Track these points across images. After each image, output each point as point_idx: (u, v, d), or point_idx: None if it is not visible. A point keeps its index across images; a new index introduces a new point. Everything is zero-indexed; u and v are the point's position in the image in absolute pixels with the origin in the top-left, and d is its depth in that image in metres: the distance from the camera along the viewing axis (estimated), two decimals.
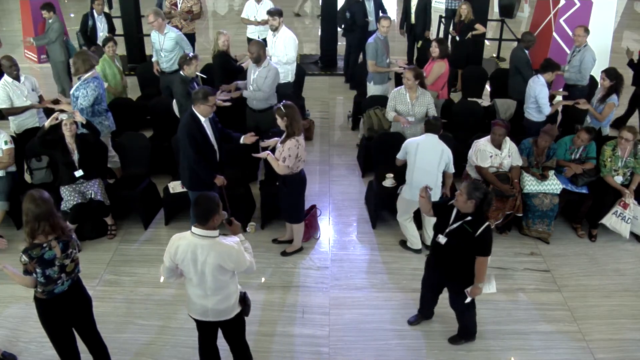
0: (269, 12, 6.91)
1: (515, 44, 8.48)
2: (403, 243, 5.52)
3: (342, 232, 5.78)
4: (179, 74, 6.00)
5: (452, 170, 5.16)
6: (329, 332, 4.55)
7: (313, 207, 5.70)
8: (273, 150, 5.01)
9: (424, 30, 8.96)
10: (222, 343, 3.87)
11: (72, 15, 13.00)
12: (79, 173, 5.23)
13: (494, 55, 10.60)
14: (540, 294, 4.98)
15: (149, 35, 7.32)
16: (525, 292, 5.00)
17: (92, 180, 5.34)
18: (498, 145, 5.47)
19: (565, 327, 4.62)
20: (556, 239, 5.66)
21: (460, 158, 5.64)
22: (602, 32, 8.20)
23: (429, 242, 5.41)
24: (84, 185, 5.30)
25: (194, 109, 4.73)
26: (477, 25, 8.62)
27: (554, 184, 5.46)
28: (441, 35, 10.06)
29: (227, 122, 6.26)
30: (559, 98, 6.84)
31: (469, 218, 3.85)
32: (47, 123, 5.11)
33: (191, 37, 8.52)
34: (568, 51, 7.55)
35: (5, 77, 5.90)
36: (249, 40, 7.83)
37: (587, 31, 6.79)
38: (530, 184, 5.47)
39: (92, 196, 5.31)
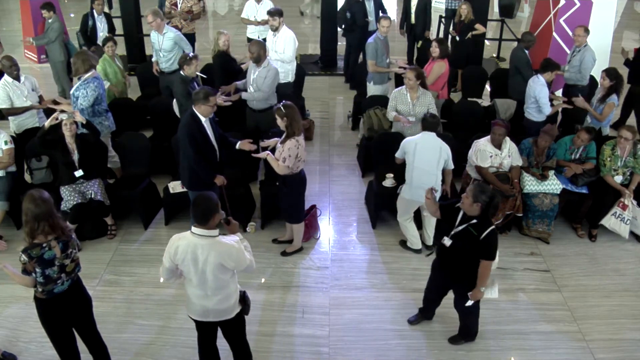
0: (269, 13, 6.91)
1: (515, 44, 8.48)
2: (403, 243, 5.52)
3: (342, 232, 5.78)
4: (179, 73, 6.00)
5: (451, 166, 5.16)
6: (329, 332, 4.55)
7: (313, 207, 5.70)
8: (273, 150, 5.01)
9: (424, 30, 8.96)
10: (221, 343, 3.87)
11: (72, 15, 13.01)
12: (79, 173, 5.23)
13: (494, 55, 10.60)
14: (540, 294, 4.98)
15: (149, 35, 7.32)
16: (525, 292, 5.00)
17: (92, 180, 5.35)
18: (498, 145, 5.47)
19: (565, 327, 4.62)
20: (556, 239, 5.66)
21: (460, 158, 5.64)
22: (602, 32, 8.19)
23: (428, 242, 5.43)
24: (84, 185, 5.30)
25: (194, 108, 4.73)
26: (477, 25, 8.62)
27: (554, 184, 5.46)
28: (441, 35, 10.06)
29: (227, 122, 6.29)
30: (558, 101, 6.84)
31: (475, 221, 3.84)
32: (47, 123, 5.11)
33: (191, 37, 8.52)
34: (568, 51, 7.55)
35: (6, 77, 5.90)
36: (249, 40, 7.83)
37: (587, 31, 6.80)
38: (530, 184, 5.47)
39: (92, 196, 5.31)
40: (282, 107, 4.73)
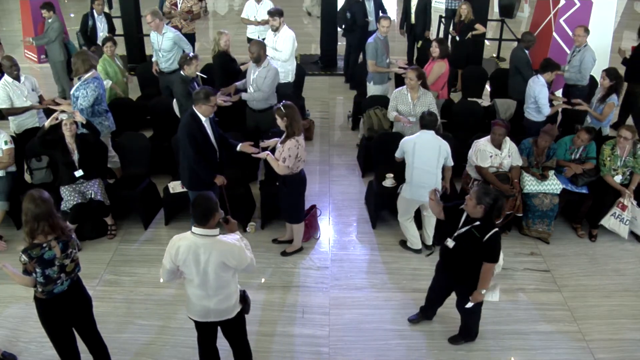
0: (269, 13, 6.91)
1: (515, 44, 8.48)
2: (403, 243, 5.52)
3: (342, 232, 5.78)
4: (179, 73, 5.99)
5: (450, 163, 5.14)
6: (329, 332, 4.55)
7: (313, 207, 5.70)
8: (273, 150, 5.01)
9: (424, 30, 8.96)
10: (221, 343, 3.87)
11: (72, 15, 13.00)
12: (79, 173, 5.23)
13: (494, 55, 10.60)
14: (540, 294, 4.98)
15: (149, 35, 7.32)
16: (525, 292, 5.00)
17: (92, 180, 5.34)
18: (498, 145, 5.47)
19: (565, 327, 4.62)
20: (556, 239, 5.66)
21: (460, 158, 5.64)
22: (602, 32, 8.19)
23: (428, 242, 5.43)
24: (84, 185, 5.30)
25: (194, 108, 4.72)
26: (477, 25, 8.62)
27: (554, 184, 5.46)
28: (441, 35, 10.06)
29: (227, 122, 6.29)
30: (558, 101, 6.84)
31: (478, 223, 3.83)
32: (47, 123, 5.11)
33: (191, 37, 8.53)
34: (568, 51, 7.55)
35: (6, 77, 5.90)
36: (249, 40, 7.83)
37: (587, 31, 6.79)
38: (530, 184, 5.47)
39: (92, 196, 5.31)
40: (282, 107, 4.72)
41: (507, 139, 5.50)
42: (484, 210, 3.77)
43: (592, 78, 7.01)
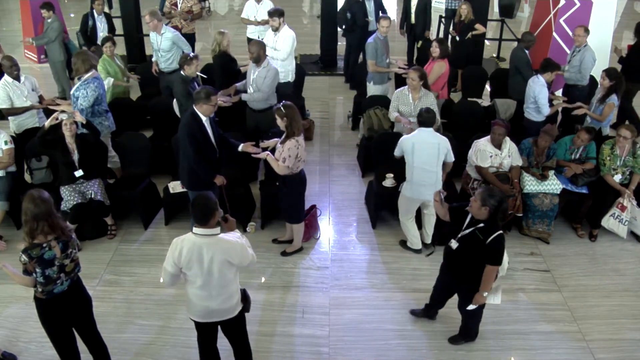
0: (269, 13, 6.91)
1: (515, 44, 8.47)
2: (403, 243, 5.52)
3: (342, 232, 5.78)
4: (179, 73, 5.99)
5: (451, 159, 5.11)
6: (329, 332, 4.55)
7: (313, 207, 5.70)
8: (273, 150, 5.01)
9: (424, 30, 8.96)
10: (221, 343, 3.87)
11: (72, 15, 13.01)
12: (79, 173, 5.23)
13: (494, 55, 10.60)
14: (540, 294, 4.98)
15: (149, 35, 7.32)
16: (525, 292, 4.99)
17: (92, 180, 5.34)
18: (498, 145, 5.47)
19: (565, 327, 4.62)
20: (556, 239, 5.66)
21: (460, 158, 5.64)
22: (602, 32, 8.19)
23: (427, 241, 5.43)
24: (84, 185, 5.30)
25: (195, 108, 4.72)
26: (477, 25, 8.62)
27: (554, 184, 5.46)
28: (441, 35, 10.06)
29: (227, 122, 6.29)
30: (558, 101, 6.84)
31: (481, 225, 3.82)
32: (47, 123, 5.11)
33: (191, 37, 8.53)
34: (568, 51, 7.55)
35: (6, 77, 5.90)
36: (249, 40, 7.83)
37: (587, 31, 6.79)
38: (530, 184, 5.47)
39: (92, 196, 5.31)
40: (282, 107, 4.72)
41: (507, 139, 5.50)
42: (489, 212, 3.75)
43: (592, 78, 7.01)
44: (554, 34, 8.40)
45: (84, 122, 5.27)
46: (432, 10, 9.33)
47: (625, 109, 7.32)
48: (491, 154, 5.45)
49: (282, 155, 4.76)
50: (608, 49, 8.52)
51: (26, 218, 3.38)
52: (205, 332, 3.75)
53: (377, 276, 5.16)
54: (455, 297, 4.27)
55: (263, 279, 5.09)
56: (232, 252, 3.40)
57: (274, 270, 5.21)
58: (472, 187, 5.59)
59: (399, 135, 5.90)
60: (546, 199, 5.44)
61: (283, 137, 4.87)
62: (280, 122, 4.76)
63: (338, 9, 9.30)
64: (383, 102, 6.86)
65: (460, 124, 6.88)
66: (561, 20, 8.32)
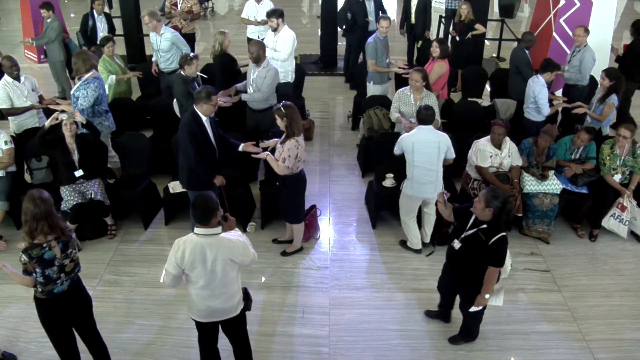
0: (267, 14, 6.92)
1: (515, 44, 8.47)
2: (403, 243, 5.52)
3: (342, 232, 5.78)
4: (179, 73, 5.99)
5: (452, 155, 5.10)
6: (329, 332, 4.55)
7: (313, 207, 5.70)
8: (273, 150, 5.01)
9: (424, 30, 8.97)
10: (221, 343, 3.87)
11: (72, 15, 13.01)
12: (79, 173, 5.23)
13: (494, 55, 10.61)
14: (540, 294, 4.98)
15: (149, 35, 7.33)
16: (525, 292, 4.99)
17: (92, 180, 5.35)
18: (498, 145, 5.47)
19: (565, 327, 4.62)
20: (556, 239, 5.66)
21: (460, 158, 5.64)
22: (602, 32, 8.19)
23: (426, 240, 5.43)
24: (84, 185, 5.31)
25: (195, 107, 4.72)
26: (477, 25, 8.61)
27: (554, 184, 5.46)
28: (441, 35, 10.07)
29: (227, 122, 6.29)
30: (558, 101, 6.84)
31: (485, 226, 3.81)
32: (47, 123, 5.12)
33: (191, 37, 8.53)
34: (568, 51, 7.55)
35: (6, 77, 5.90)
36: (249, 40, 7.83)
37: (587, 31, 6.80)
38: (530, 184, 5.47)
39: (92, 196, 5.31)
40: (281, 107, 4.72)
41: (507, 139, 5.50)
42: (493, 214, 3.75)
43: (592, 78, 7.01)
44: (554, 34, 8.40)
45: (84, 122, 5.27)
46: (432, 10, 9.33)
47: (622, 111, 7.32)
48: (491, 154, 5.45)
49: (282, 155, 4.76)
50: (608, 49, 8.52)
51: (26, 218, 3.38)
52: (207, 332, 3.75)
53: (377, 276, 5.16)
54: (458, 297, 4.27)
55: (263, 279, 5.09)
56: (234, 250, 3.41)
57: (274, 270, 5.21)
58: (472, 187, 5.59)
59: (399, 135, 5.90)
60: (546, 199, 5.43)
61: (283, 137, 4.87)
62: (280, 122, 4.75)
63: (338, 9, 9.30)
64: (383, 102, 6.86)
65: (460, 124, 6.88)
66: (561, 20, 8.32)
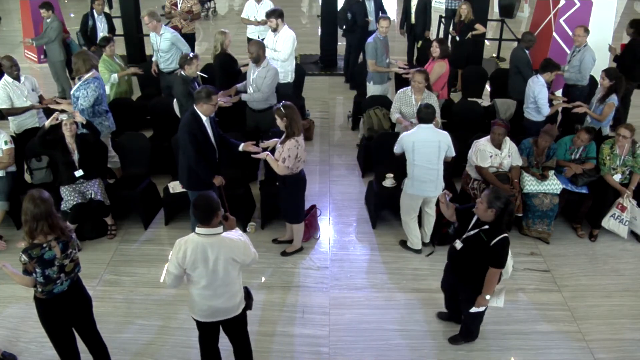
0: (266, 14, 6.92)
1: (515, 44, 8.47)
2: (403, 243, 5.52)
3: (342, 232, 5.78)
4: (179, 73, 5.98)
5: (452, 154, 5.10)
6: (329, 332, 4.54)
7: (313, 207, 5.70)
8: (273, 150, 5.01)
9: (424, 30, 8.97)
10: (221, 343, 3.87)
11: (72, 15, 13.01)
12: (79, 173, 5.23)
13: (494, 55, 10.61)
14: (540, 294, 4.98)
15: (149, 35, 7.33)
16: (525, 292, 4.99)
17: (92, 180, 5.35)
18: (498, 145, 5.47)
19: (565, 327, 4.62)
20: (556, 239, 5.66)
21: (460, 158, 5.64)
22: (602, 32, 8.20)
23: (425, 240, 5.43)
24: (84, 185, 5.31)
25: (196, 107, 4.72)
26: (477, 25, 8.61)
27: (554, 184, 5.46)
28: (441, 35, 10.07)
29: (227, 122, 6.29)
30: (558, 101, 6.84)
31: (486, 227, 3.80)
32: (47, 123, 5.12)
33: (191, 37, 8.53)
34: (568, 51, 7.55)
35: (6, 77, 5.90)
36: (249, 40, 7.83)
37: (587, 31, 6.80)
38: (530, 184, 5.47)
39: (92, 196, 5.31)
40: (281, 108, 4.72)
41: (507, 139, 5.50)
42: (495, 214, 3.74)
43: (592, 78, 7.01)
44: (554, 34, 8.40)
45: (84, 122, 5.27)
46: (432, 10, 9.34)
47: (619, 111, 7.32)
48: (491, 154, 5.45)
49: (282, 155, 4.76)
50: (607, 49, 8.52)
51: (26, 218, 3.38)
52: (208, 332, 3.75)
53: (377, 276, 5.16)
54: None
55: (263, 279, 5.09)
56: (236, 250, 3.42)
57: (274, 270, 5.21)
58: (472, 187, 5.59)
59: (399, 135, 5.90)
60: (546, 199, 5.43)
61: (283, 137, 4.87)
62: (280, 122, 4.75)
63: (338, 9, 9.30)
64: (383, 102, 6.86)
65: (460, 124, 6.87)
66: (561, 20, 8.33)
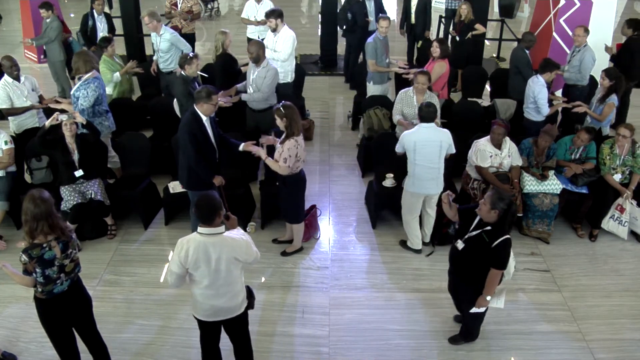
0: (266, 15, 6.91)
1: (515, 44, 8.47)
2: (403, 243, 5.52)
3: (342, 232, 5.78)
4: (179, 73, 5.98)
5: (452, 151, 5.11)
6: (329, 332, 4.55)
7: (313, 207, 5.70)
8: (272, 149, 5.01)
9: (424, 30, 8.97)
10: (221, 343, 3.87)
11: (72, 15, 13.00)
12: (79, 173, 5.23)
13: (494, 55, 10.61)
14: (540, 294, 4.98)
15: (149, 35, 7.33)
16: (525, 292, 4.99)
17: (92, 180, 5.35)
18: (498, 145, 5.47)
19: (565, 327, 4.62)
20: (556, 239, 5.66)
21: (460, 158, 5.64)
22: (602, 32, 8.19)
23: (425, 240, 5.43)
24: (84, 185, 5.31)
25: (196, 107, 4.71)
26: (477, 25, 8.62)
27: (554, 184, 5.46)
28: (441, 35, 10.07)
29: (227, 122, 6.29)
30: (558, 101, 6.84)
31: (489, 228, 3.79)
32: (47, 123, 5.12)
33: (191, 37, 8.53)
34: (568, 51, 7.55)
35: (6, 77, 5.90)
36: (249, 40, 7.83)
37: (587, 31, 6.80)
38: (530, 184, 5.47)
39: (92, 196, 5.31)
40: (281, 108, 4.72)
41: (507, 139, 5.50)
42: (498, 215, 3.74)
43: (592, 78, 7.01)
44: (554, 34, 8.40)
45: (84, 122, 5.27)
46: (432, 10, 9.34)
47: (619, 111, 7.32)
48: (491, 154, 5.45)
49: (282, 155, 4.76)
50: None
51: (26, 218, 3.38)
52: (209, 331, 3.75)
53: (377, 276, 5.16)
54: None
55: (263, 279, 5.09)
56: (238, 249, 3.42)
57: (274, 270, 5.21)
58: (472, 187, 5.59)
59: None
60: (546, 199, 5.43)
61: (283, 137, 4.87)
62: (280, 122, 4.76)
63: (338, 9, 9.30)
64: (383, 102, 6.87)
65: (460, 124, 6.87)
66: (561, 20, 8.33)
